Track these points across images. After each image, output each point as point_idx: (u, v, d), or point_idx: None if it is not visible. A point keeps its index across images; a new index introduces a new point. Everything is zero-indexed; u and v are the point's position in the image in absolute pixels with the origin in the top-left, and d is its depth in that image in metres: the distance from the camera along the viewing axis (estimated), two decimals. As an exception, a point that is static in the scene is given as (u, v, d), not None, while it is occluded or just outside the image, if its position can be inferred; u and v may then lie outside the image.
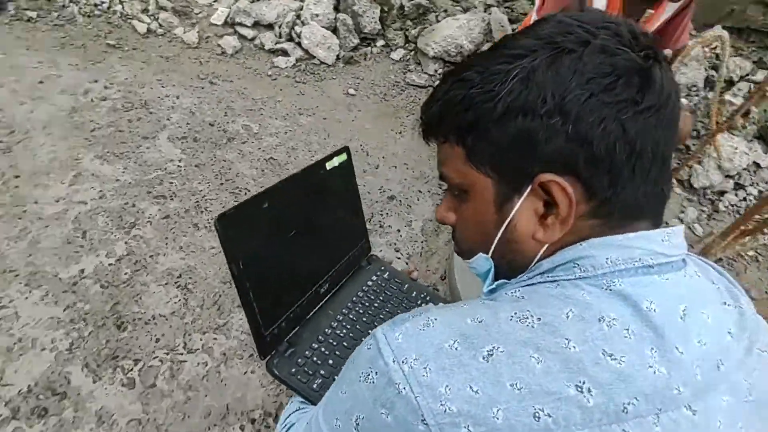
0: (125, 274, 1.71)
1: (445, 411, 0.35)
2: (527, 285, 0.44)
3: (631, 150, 0.40)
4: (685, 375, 0.37)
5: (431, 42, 2.77)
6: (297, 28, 2.78)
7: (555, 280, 0.43)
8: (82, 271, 1.69)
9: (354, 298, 0.93)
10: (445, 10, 2.95)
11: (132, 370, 1.50)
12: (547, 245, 0.45)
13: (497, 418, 0.34)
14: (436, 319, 0.40)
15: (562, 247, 0.44)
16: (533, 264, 0.47)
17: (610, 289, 0.40)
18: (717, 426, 0.38)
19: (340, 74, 2.79)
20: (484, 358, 0.36)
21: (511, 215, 0.45)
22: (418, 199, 2.24)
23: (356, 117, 2.55)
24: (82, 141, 2.07)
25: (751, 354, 0.42)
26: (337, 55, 2.82)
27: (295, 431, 0.58)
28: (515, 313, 0.39)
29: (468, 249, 0.55)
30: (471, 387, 0.35)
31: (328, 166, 0.91)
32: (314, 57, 2.78)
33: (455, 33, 2.73)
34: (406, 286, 0.99)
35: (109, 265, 1.72)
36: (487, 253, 0.50)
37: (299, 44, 2.79)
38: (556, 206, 0.42)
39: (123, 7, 2.71)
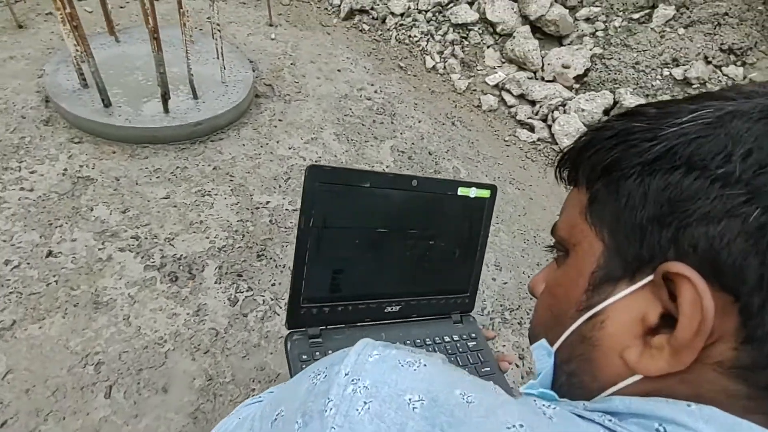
0: (291, 222, 1.94)
1: None
2: (573, 413, 0.29)
3: None
4: None
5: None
6: (556, 113, 2.75)
7: (613, 430, 0.27)
8: (268, 203, 1.99)
9: (418, 341, 0.80)
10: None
11: (242, 292, 1.68)
12: (636, 378, 0.29)
13: None
14: (425, 366, 0.31)
15: (657, 393, 0.28)
16: (603, 395, 0.32)
17: None
18: None
19: (573, 170, 2.63)
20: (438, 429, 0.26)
21: (604, 303, 0.31)
22: (578, 324, 1.89)
23: (564, 214, 2.35)
24: (334, 118, 2.48)
25: None
26: (581, 153, 2.66)
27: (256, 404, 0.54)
28: (520, 426, 0.26)
29: (534, 329, 0.41)
30: None
31: (461, 192, 0.81)
32: (557, 144, 2.69)
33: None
34: (485, 369, 0.79)
35: (285, 209, 1.99)
36: (552, 345, 0.37)
37: (549, 127, 2.75)
38: (675, 322, 0.27)
39: (427, 45, 3.18)
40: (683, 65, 2.79)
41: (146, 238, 1.75)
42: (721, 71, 2.73)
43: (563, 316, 0.35)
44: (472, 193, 0.82)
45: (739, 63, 2.77)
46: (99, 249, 1.68)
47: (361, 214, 0.72)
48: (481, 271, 0.87)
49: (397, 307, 0.78)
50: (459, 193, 0.81)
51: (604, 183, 0.32)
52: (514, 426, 0.26)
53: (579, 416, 0.28)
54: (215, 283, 1.68)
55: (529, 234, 2.18)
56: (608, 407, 0.29)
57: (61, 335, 1.43)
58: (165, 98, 2.01)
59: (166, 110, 2.05)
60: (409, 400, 0.28)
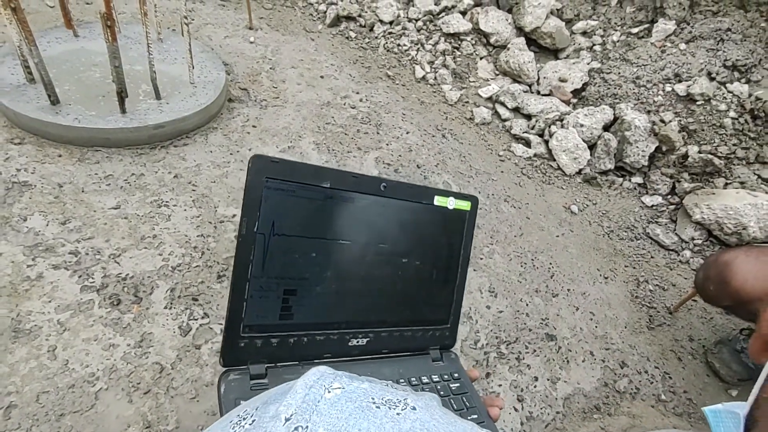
0: (259, 239, 1.71)
1: None
2: None
3: None
4: None
5: (703, 205, 2.19)
6: (553, 128, 2.59)
7: None
8: (234, 216, 1.76)
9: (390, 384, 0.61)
10: (742, 182, 2.32)
11: (196, 319, 1.43)
12: None
13: None
14: (414, 410, 0.22)
15: None
16: None
17: None
18: None
19: (571, 187, 2.45)
20: None
21: None
22: (583, 360, 1.67)
23: (563, 234, 2.15)
24: (314, 126, 2.27)
25: None
26: (580, 170, 2.49)
27: None
28: None
29: None
30: None
31: (438, 202, 0.66)
32: (554, 160, 2.52)
33: (743, 209, 2.09)
34: (472, 416, 0.62)
35: (254, 224, 1.76)
36: None
37: (546, 142, 2.58)
38: None
39: (417, 54, 3.02)
40: (686, 81, 2.65)
41: (87, 254, 1.50)
42: (725, 88, 2.60)
43: None
44: (450, 204, 0.67)
45: (744, 80, 2.65)
46: (28, 266, 1.42)
47: (320, 221, 0.58)
48: (463, 299, 0.71)
49: (364, 340, 0.63)
50: (435, 203, 0.66)
51: None
52: None
53: None
54: (165, 308, 1.44)
55: (527, 257, 1.98)
56: None
57: (-36, 372, 1.17)
58: (121, 96, 1.79)
59: (123, 110, 1.83)
60: None
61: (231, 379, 0.52)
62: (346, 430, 0.20)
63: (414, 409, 0.22)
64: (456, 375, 0.66)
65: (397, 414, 0.21)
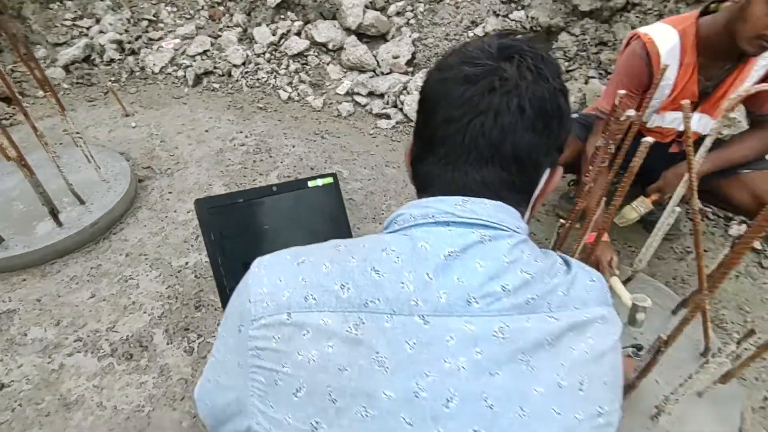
0: (213, 270, 2.17)
1: (260, 292, 0.51)
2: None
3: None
4: (428, 295, 0.47)
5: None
6: (402, 97, 3.22)
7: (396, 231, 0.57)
8: (187, 263, 2.20)
9: None
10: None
11: (194, 341, 1.88)
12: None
13: (284, 296, 0.50)
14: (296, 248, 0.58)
15: None
16: None
17: (405, 234, 0.53)
18: (446, 340, 0.45)
19: (431, 136, 3.09)
20: (297, 263, 0.53)
21: None
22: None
23: (435, 172, 2.78)
24: (218, 173, 2.73)
25: (523, 313, 0.47)
26: (433, 120, 3.14)
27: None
28: (336, 244, 0.55)
29: None
30: (280, 278, 0.52)
31: (311, 184, 1.17)
32: (411, 120, 3.15)
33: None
34: None
35: (205, 262, 2.21)
36: None
37: (401, 110, 3.21)
38: None
39: (275, 81, 3.52)
40: (480, 24, 3.38)
41: (89, 336, 1.89)
42: (509, 18, 3.36)
43: None
44: (320, 182, 1.18)
45: (519, 8, 3.42)
46: (48, 363, 1.79)
47: (246, 221, 1.05)
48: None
49: None
50: (309, 185, 1.17)
51: None
52: (333, 245, 0.55)
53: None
54: (168, 344, 1.87)
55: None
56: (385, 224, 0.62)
57: (45, 444, 1.56)
58: (54, 214, 2.15)
59: (59, 224, 2.19)
60: (284, 256, 0.55)
61: None
62: (275, 256, 0.56)
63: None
64: None
65: (291, 249, 0.61)
